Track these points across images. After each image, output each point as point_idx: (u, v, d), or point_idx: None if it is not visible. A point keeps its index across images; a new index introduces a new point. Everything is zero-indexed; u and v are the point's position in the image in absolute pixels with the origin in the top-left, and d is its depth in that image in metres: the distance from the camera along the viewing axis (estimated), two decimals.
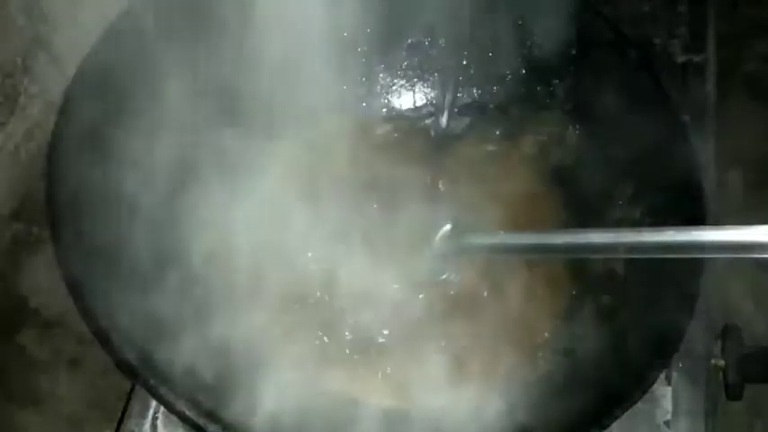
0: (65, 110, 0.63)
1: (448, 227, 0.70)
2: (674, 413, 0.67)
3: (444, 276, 0.69)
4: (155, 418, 0.66)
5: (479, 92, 0.79)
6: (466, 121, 0.79)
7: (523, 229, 0.72)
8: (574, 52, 0.74)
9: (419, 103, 0.81)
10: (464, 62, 0.79)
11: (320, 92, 0.75)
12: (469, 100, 0.80)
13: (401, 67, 0.80)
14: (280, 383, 0.64)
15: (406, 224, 0.72)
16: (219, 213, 0.72)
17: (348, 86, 0.79)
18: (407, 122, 0.80)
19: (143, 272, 0.64)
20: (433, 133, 0.79)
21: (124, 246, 0.64)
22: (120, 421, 0.67)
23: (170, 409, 0.56)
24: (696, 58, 0.86)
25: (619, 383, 0.60)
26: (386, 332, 0.69)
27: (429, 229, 0.71)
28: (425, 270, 0.70)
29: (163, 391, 0.55)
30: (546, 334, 0.69)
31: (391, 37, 0.79)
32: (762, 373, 0.69)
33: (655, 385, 0.60)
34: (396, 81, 0.81)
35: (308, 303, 0.70)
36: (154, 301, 0.63)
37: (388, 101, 0.81)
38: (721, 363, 0.70)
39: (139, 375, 0.56)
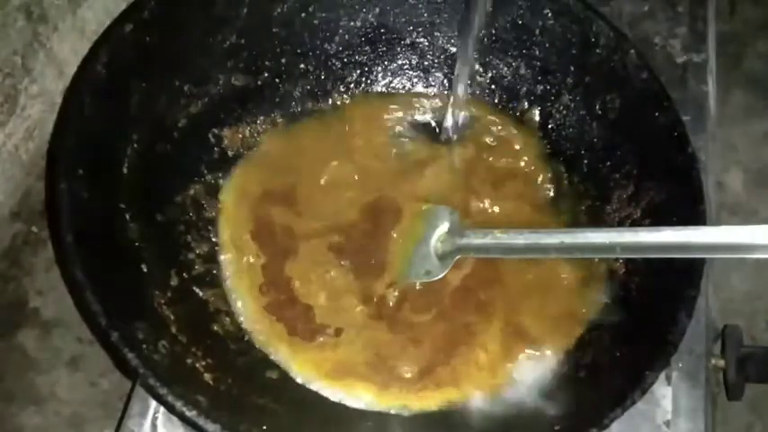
0: (65, 110, 0.63)
1: (446, 226, 0.70)
2: (674, 413, 0.67)
3: (441, 276, 0.69)
4: (155, 418, 0.66)
5: (479, 90, 0.80)
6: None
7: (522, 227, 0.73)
8: (574, 52, 0.75)
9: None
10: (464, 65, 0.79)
11: None
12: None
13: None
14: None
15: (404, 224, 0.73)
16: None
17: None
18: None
19: (143, 272, 0.64)
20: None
21: (124, 245, 0.64)
22: (120, 421, 0.67)
23: (170, 409, 0.56)
24: (696, 58, 0.86)
25: (619, 383, 0.60)
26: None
27: (426, 228, 0.71)
28: (423, 269, 0.70)
29: (163, 391, 0.55)
30: (546, 334, 0.69)
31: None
32: (762, 373, 0.69)
33: (655, 385, 0.59)
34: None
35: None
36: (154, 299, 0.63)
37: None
38: (721, 363, 0.70)
39: (139, 375, 0.56)
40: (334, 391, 0.66)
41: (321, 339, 0.68)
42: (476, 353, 0.68)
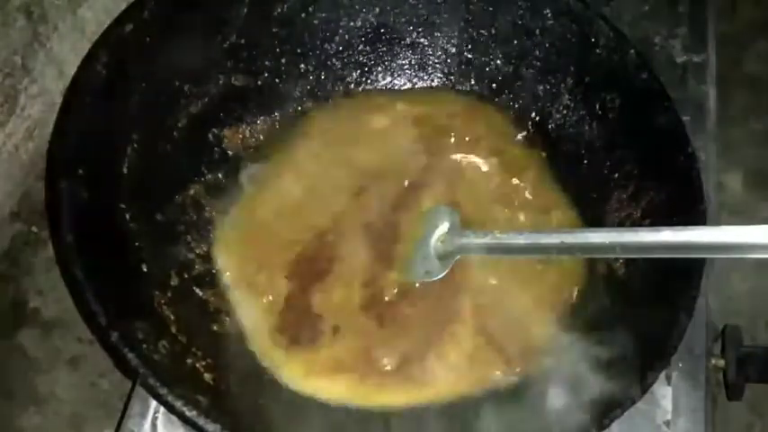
0: (65, 110, 0.63)
1: (446, 226, 0.70)
2: (674, 413, 0.67)
3: (441, 276, 0.69)
4: (155, 418, 0.66)
5: (479, 89, 0.80)
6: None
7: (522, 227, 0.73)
8: (574, 52, 0.75)
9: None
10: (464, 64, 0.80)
11: None
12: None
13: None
14: None
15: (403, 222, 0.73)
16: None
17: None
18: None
19: (143, 272, 0.64)
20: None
21: (124, 245, 0.64)
22: (120, 421, 0.67)
23: (170, 409, 0.56)
24: (696, 58, 0.86)
25: (619, 383, 0.60)
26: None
27: (426, 228, 0.71)
28: (423, 269, 0.70)
29: (163, 391, 0.55)
30: (546, 334, 0.69)
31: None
32: (762, 373, 0.69)
33: (655, 385, 0.60)
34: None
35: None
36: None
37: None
38: (721, 363, 0.70)
39: (139, 375, 0.56)
40: (314, 388, 0.65)
41: (319, 342, 0.68)
42: (449, 353, 0.68)
